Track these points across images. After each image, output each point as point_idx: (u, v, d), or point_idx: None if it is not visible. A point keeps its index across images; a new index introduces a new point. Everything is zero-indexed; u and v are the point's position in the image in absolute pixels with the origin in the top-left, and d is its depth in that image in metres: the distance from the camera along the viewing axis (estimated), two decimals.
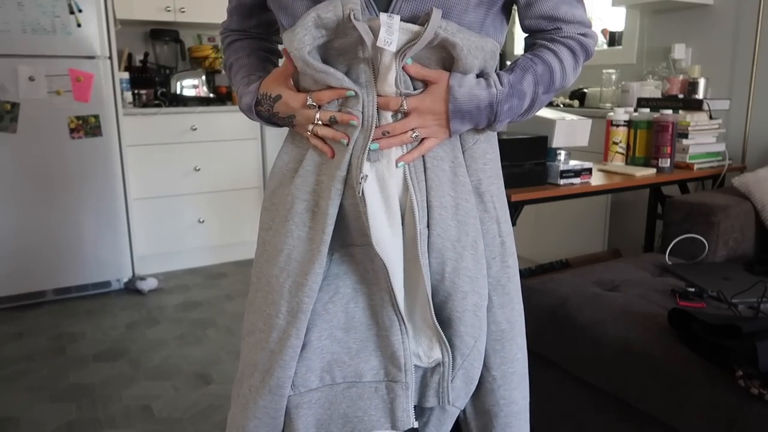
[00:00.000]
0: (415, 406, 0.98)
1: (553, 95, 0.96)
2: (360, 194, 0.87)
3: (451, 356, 0.92)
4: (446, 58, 0.86)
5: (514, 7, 0.94)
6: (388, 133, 0.87)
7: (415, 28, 0.82)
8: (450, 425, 1.00)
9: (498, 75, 0.88)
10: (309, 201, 0.91)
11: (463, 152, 0.92)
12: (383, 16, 0.80)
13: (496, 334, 0.97)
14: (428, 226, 0.89)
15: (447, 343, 0.92)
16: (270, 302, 0.92)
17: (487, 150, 0.95)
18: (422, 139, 0.88)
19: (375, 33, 0.81)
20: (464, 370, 0.94)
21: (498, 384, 0.98)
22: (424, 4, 0.83)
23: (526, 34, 0.97)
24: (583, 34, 0.94)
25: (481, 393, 0.99)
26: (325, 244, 0.89)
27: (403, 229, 0.91)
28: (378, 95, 0.86)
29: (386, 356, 0.92)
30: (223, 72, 1.11)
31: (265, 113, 0.95)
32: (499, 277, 0.97)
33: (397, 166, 0.88)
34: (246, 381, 0.95)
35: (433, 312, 0.91)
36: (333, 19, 0.81)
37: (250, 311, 0.97)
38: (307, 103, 0.89)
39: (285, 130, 3.31)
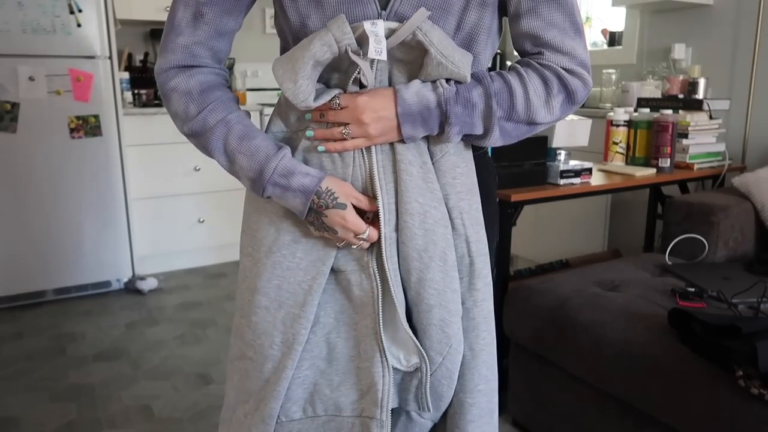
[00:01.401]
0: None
1: (526, 129, 0.88)
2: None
3: (427, 363, 0.89)
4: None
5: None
6: (323, 116, 0.84)
7: (395, 25, 0.80)
8: None
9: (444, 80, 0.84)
10: (295, 233, 0.88)
11: (432, 163, 0.88)
12: (366, 24, 0.78)
13: None
14: (396, 231, 0.87)
15: (423, 350, 0.89)
16: (261, 333, 0.90)
17: (458, 164, 0.89)
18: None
19: (361, 42, 0.79)
20: (431, 385, 0.91)
21: (454, 411, 0.94)
22: (424, 0, 0.81)
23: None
24: (567, 69, 0.86)
25: (445, 414, 0.97)
26: (324, 276, 0.88)
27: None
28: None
29: (365, 390, 0.90)
30: (189, 126, 0.88)
31: (307, 204, 0.84)
32: (464, 299, 0.91)
33: (318, 150, 0.86)
34: (241, 407, 0.93)
35: (404, 320, 0.88)
36: (330, 58, 0.80)
37: (236, 336, 0.94)
38: (361, 234, 0.85)
39: None
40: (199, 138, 0.88)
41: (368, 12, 0.82)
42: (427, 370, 0.90)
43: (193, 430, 1.92)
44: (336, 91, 0.83)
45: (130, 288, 3.21)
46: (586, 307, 1.57)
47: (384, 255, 0.86)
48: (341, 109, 0.83)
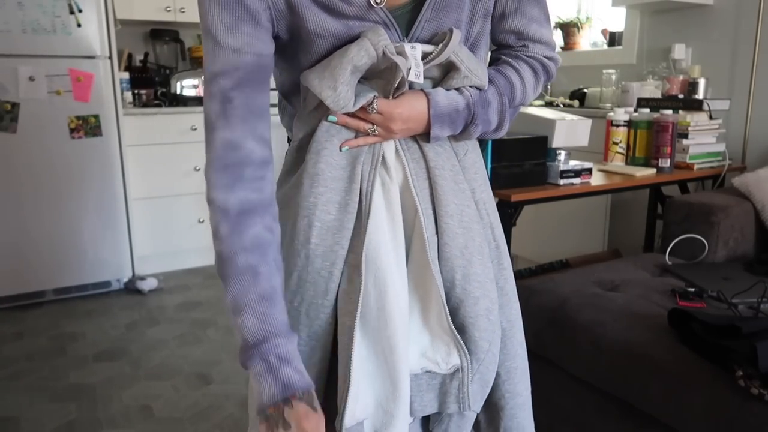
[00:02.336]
0: (430, 415, 0.98)
1: (513, 112, 0.97)
2: (367, 205, 0.86)
3: (469, 361, 0.93)
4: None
5: None
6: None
7: (430, 48, 0.85)
8: (468, 429, 1.00)
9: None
10: (309, 217, 0.87)
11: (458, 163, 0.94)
12: (407, 47, 0.81)
13: None
14: (437, 234, 0.90)
15: (465, 347, 0.92)
16: None
17: (476, 159, 0.97)
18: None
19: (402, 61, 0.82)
20: (480, 374, 0.95)
21: (503, 379, 1.00)
22: (442, 24, 0.86)
23: (495, 47, 0.99)
24: (548, 57, 0.97)
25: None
26: (342, 260, 0.88)
27: (408, 238, 0.91)
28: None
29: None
30: (217, 247, 0.86)
31: (277, 398, 0.78)
32: (497, 279, 0.99)
33: (340, 150, 0.86)
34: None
35: (449, 318, 0.91)
36: (367, 63, 0.81)
37: None
38: None
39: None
40: (219, 265, 0.83)
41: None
42: (468, 368, 0.93)
43: (193, 430, 1.92)
44: (372, 94, 0.85)
45: (130, 288, 3.21)
46: (586, 307, 1.57)
47: (428, 257, 0.89)
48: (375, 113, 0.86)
